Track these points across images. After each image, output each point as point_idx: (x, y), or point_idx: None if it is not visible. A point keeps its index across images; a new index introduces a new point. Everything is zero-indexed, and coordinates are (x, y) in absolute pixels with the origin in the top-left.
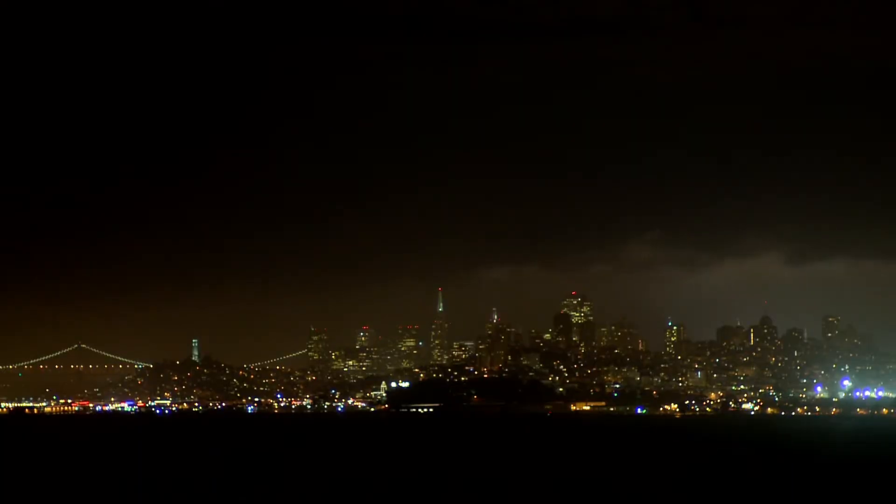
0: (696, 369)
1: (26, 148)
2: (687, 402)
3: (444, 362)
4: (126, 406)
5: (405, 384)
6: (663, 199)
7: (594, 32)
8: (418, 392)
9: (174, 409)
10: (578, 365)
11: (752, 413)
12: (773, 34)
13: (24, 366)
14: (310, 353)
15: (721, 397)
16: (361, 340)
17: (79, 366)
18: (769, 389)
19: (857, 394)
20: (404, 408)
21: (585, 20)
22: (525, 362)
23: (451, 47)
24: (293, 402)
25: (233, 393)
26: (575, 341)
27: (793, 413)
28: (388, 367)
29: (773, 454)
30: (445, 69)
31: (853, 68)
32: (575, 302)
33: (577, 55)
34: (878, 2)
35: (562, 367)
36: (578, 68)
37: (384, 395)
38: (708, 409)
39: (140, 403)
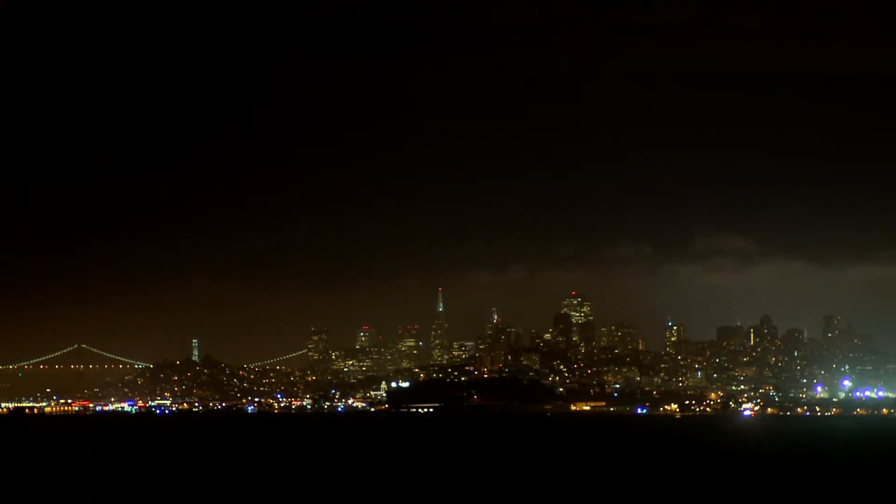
0: (696, 369)
1: (27, 148)
2: (687, 402)
3: (444, 362)
4: (126, 406)
5: (405, 384)
6: (664, 199)
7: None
8: (418, 392)
9: (174, 409)
10: (578, 365)
11: (752, 413)
12: (680, 41)
13: (24, 366)
14: (310, 353)
15: (721, 397)
16: (361, 340)
17: (79, 366)
18: (769, 389)
19: (857, 394)
20: (404, 408)
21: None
22: (525, 362)
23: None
24: (293, 402)
25: (233, 393)
26: (575, 341)
27: (790, 413)
28: (388, 367)
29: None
30: (447, 72)
31: (768, 73)
32: (575, 302)
33: (543, 61)
34: (788, 12)
35: (562, 367)
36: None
37: (384, 395)
38: (708, 409)
39: (140, 403)
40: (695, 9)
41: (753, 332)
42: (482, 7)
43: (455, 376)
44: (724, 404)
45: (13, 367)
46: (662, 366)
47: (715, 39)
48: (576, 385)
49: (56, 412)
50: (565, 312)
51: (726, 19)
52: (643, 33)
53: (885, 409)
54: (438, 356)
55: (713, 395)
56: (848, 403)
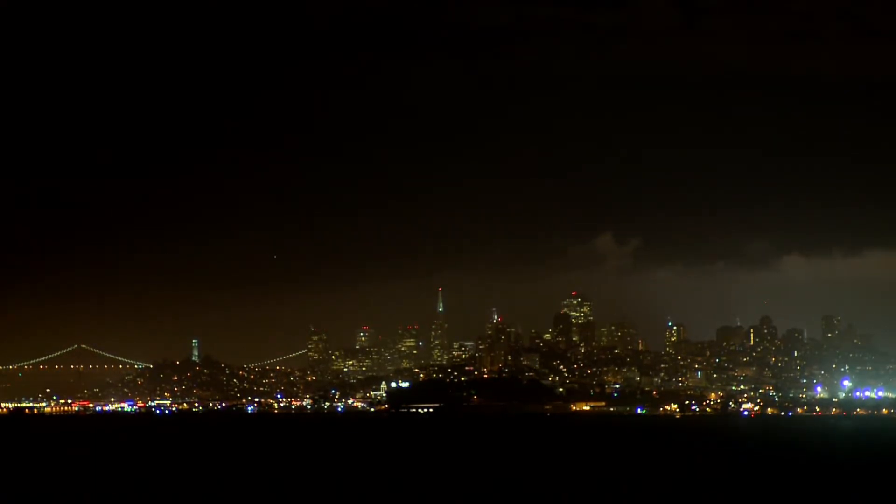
0: (696, 369)
1: (27, 148)
2: (687, 402)
3: (444, 362)
4: (126, 406)
5: (405, 384)
6: (663, 200)
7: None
8: (418, 392)
9: (174, 409)
10: (578, 365)
11: (752, 414)
12: (660, 44)
13: (24, 366)
14: (310, 353)
15: (721, 397)
16: (361, 340)
17: (79, 366)
18: (769, 389)
19: (857, 394)
20: (404, 408)
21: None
22: (525, 362)
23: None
24: (293, 402)
25: (233, 393)
26: (575, 341)
27: (790, 413)
28: (388, 367)
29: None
30: (446, 74)
31: (750, 75)
32: (575, 302)
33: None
34: (765, 13)
35: (562, 367)
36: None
37: (384, 395)
38: (708, 409)
39: (140, 403)
40: (674, 11)
41: (753, 332)
42: (475, 7)
43: (455, 376)
44: (724, 404)
45: (13, 367)
46: (662, 366)
47: (693, 41)
48: (576, 385)
49: (56, 412)
50: (565, 312)
51: (704, 21)
52: (623, 35)
53: (885, 409)
54: (438, 356)
55: (713, 395)
56: (848, 403)
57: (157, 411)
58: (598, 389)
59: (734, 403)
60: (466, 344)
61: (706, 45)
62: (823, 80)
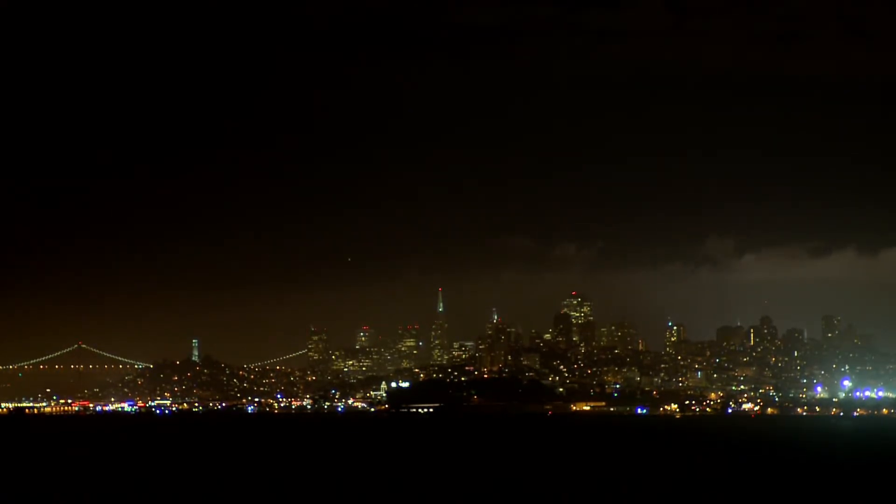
0: (696, 369)
1: (27, 147)
2: (687, 402)
3: (444, 362)
4: (126, 406)
5: (405, 384)
6: (663, 200)
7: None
8: (418, 392)
9: (174, 409)
10: (578, 365)
11: (752, 414)
12: (652, 45)
13: (24, 366)
14: (310, 353)
15: (721, 397)
16: (361, 340)
17: (79, 366)
18: (769, 389)
19: (857, 394)
20: (404, 408)
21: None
22: (525, 362)
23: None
24: (293, 402)
25: (233, 393)
26: (575, 341)
27: (790, 413)
28: (388, 367)
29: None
30: (446, 74)
31: (744, 75)
32: (575, 302)
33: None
34: (754, 15)
35: (562, 367)
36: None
37: (384, 395)
38: (708, 409)
39: (140, 403)
40: (673, 11)
41: (753, 332)
42: (475, 7)
43: (455, 376)
44: (724, 404)
45: (13, 367)
46: (662, 366)
47: (683, 41)
48: (576, 385)
49: (56, 412)
50: (565, 312)
51: (694, 23)
52: (623, 35)
53: (885, 409)
54: (438, 356)
55: (713, 395)
56: (848, 403)
57: (158, 411)
58: (598, 389)
59: (734, 403)
60: (466, 344)
61: (705, 45)
62: (823, 80)
